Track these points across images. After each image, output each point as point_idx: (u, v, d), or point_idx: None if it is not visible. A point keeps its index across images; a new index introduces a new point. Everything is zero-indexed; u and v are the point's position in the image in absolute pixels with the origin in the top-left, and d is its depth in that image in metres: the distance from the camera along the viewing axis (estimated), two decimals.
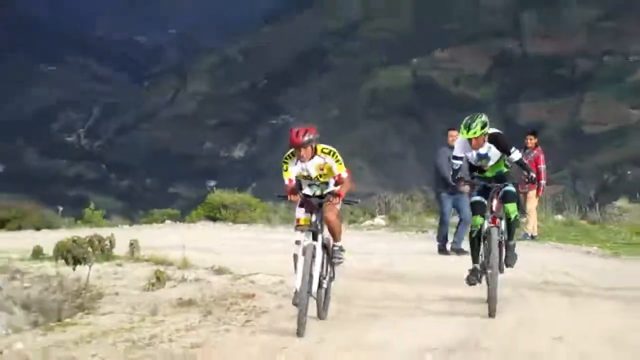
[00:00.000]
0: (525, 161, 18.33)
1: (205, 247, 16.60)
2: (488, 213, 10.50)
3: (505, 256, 10.71)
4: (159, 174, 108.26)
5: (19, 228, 26.34)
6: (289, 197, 9.77)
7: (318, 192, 9.88)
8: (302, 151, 9.60)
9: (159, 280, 12.44)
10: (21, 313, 10.30)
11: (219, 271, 13.81)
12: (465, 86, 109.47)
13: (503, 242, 10.62)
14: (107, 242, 14.52)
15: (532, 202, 18.98)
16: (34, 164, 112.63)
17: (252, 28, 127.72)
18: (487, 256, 10.34)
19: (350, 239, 19.23)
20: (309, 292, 9.38)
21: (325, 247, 9.89)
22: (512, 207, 10.65)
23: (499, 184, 10.61)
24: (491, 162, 10.69)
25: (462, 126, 10.37)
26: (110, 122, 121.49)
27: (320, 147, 9.73)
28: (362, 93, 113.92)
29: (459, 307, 10.34)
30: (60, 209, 30.66)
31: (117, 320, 9.92)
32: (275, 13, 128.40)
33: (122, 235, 16.53)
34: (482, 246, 10.58)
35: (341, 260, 10.19)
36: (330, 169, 9.76)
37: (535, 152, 19.00)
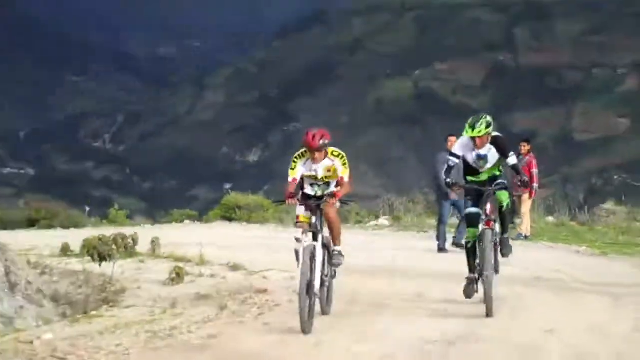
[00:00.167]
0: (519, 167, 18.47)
1: (221, 245, 16.61)
2: (483, 217, 10.10)
3: (500, 249, 10.40)
4: (179, 177, 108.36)
5: (49, 227, 26.38)
6: (287, 201, 9.53)
7: (319, 193, 9.69)
8: (317, 154, 9.42)
9: (178, 275, 12.45)
10: (50, 306, 10.30)
11: (234, 267, 13.83)
12: (462, 96, 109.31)
13: (497, 243, 10.31)
14: (130, 240, 14.55)
15: (525, 204, 18.98)
16: (62, 168, 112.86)
17: (266, 42, 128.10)
18: (482, 258, 9.96)
19: (356, 238, 19.30)
20: (311, 291, 9.11)
21: (325, 246, 9.67)
22: (504, 196, 10.27)
23: (491, 188, 10.26)
24: (488, 165, 10.29)
25: (467, 125, 10.04)
26: (133, 129, 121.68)
27: (330, 149, 9.55)
28: (368, 102, 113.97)
29: (458, 302, 10.31)
30: (87, 209, 30.72)
31: (140, 313, 9.93)
32: (287, 28, 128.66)
33: (144, 234, 16.58)
34: (477, 250, 10.24)
35: (340, 264, 9.92)
36: (335, 171, 9.58)
37: (527, 157, 19.01)
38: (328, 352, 8.13)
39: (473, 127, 9.95)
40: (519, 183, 10.48)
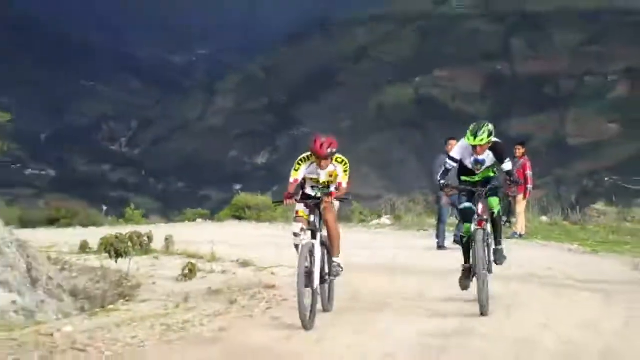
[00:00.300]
0: (514, 169, 18.46)
1: (231, 243, 16.61)
2: (475, 216, 9.88)
3: (495, 258, 10.16)
4: (191, 178, 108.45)
5: (68, 225, 26.45)
6: (285, 201, 9.43)
7: (319, 195, 9.54)
8: (323, 162, 9.34)
9: (190, 271, 12.46)
10: (70, 300, 10.31)
11: (244, 264, 13.85)
12: (461, 102, 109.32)
13: (491, 243, 10.12)
14: (145, 238, 14.60)
15: (520, 205, 18.97)
16: (81, 170, 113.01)
17: (273, 50, 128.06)
18: (474, 257, 9.72)
19: (359, 236, 19.34)
20: (310, 287, 8.97)
21: (324, 244, 9.50)
22: (494, 202, 10.03)
23: (483, 189, 10.02)
24: (484, 168, 10.09)
25: (469, 132, 9.74)
26: (147, 133, 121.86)
27: (335, 156, 9.46)
28: (370, 107, 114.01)
29: (455, 296, 10.30)
30: (105, 208, 30.77)
31: (154, 307, 9.94)
32: (293, 37, 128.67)
33: (158, 232, 16.63)
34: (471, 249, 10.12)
35: (338, 275, 9.76)
36: (336, 176, 9.48)
37: (522, 160, 19.03)
38: (329, 348, 8.12)
39: (475, 135, 9.70)
40: (509, 182, 10.32)
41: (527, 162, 19.05)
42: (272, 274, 12.66)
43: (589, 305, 10.15)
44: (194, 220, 28.15)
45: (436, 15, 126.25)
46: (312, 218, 9.36)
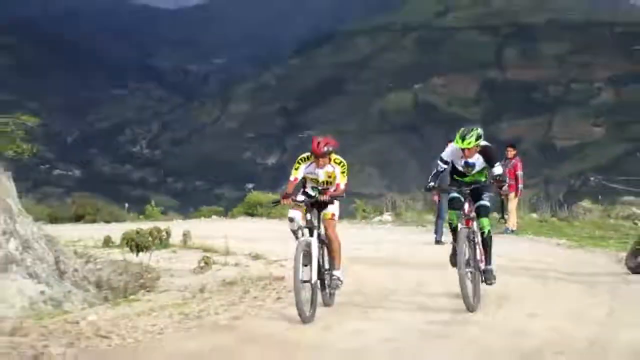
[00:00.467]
0: (505, 169, 18.46)
1: (244, 238, 16.59)
2: (461, 215, 9.50)
3: (484, 277, 9.59)
4: (207, 177, 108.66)
5: (93, 221, 26.45)
6: (281, 201, 9.20)
7: (318, 195, 9.25)
8: (321, 160, 9.11)
9: (206, 264, 12.46)
10: (94, 291, 10.32)
11: (256, 257, 13.84)
12: (457, 107, 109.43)
13: (478, 241, 9.60)
14: (164, 233, 14.61)
15: (512, 203, 18.94)
16: (105, 169, 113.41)
17: (283, 60, 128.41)
18: (456, 256, 9.24)
19: (363, 231, 19.32)
20: (309, 282, 8.65)
21: (323, 241, 9.17)
22: (485, 222, 9.59)
23: (473, 186, 9.61)
24: (474, 171, 9.74)
25: (458, 135, 9.43)
26: (166, 136, 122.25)
27: (333, 157, 9.19)
28: (373, 112, 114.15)
29: (452, 288, 10.27)
30: (127, 206, 30.65)
31: (172, 297, 9.93)
32: (302, 48, 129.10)
33: (176, 227, 16.64)
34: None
35: (337, 288, 9.39)
36: (335, 177, 9.22)
37: (513, 161, 19.01)
38: (334, 334, 8.12)
39: (463, 139, 9.37)
40: (493, 181, 9.60)
41: (518, 163, 19.02)
42: (282, 266, 12.63)
43: (576, 296, 10.13)
44: (209, 216, 28.12)
45: (434, 26, 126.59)
46: (309, 216, 9.06)
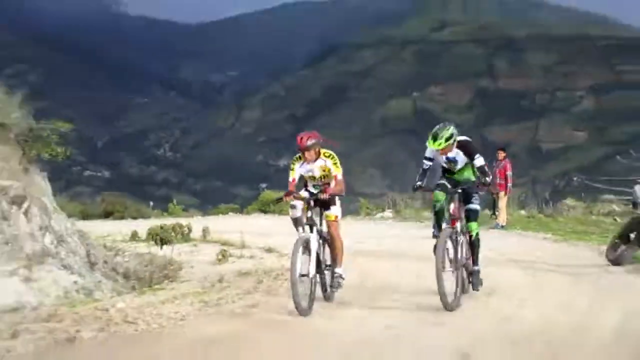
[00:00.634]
0: (496, 169, 18.46)
1: (258, 233, 16.60)
2: (447, 215, 8.90)
3: (471, 279, 9.12)
4: (224, 178, 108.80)
5: (121, 218, 26.53)
6: (284, 198, 8.73)
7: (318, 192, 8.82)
8: (307, 154, 8.59)
9: (224, 256, 12.48)
10: (122, 281, 10.34)
11: (269, 250, 13.83)
12: (452, 113, 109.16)
13: (461, 241, 8.93)
14: (185, 228, 14.64)
15: (502, 200, 18.94)
16: (132, 171, 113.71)
17: (292, 71, 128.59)
18: (436, 254, 8.49)
19: (366, 227, 19.29)
20: (307, 275, 8.26)
21: (323, 237, 8.78)
22: (474, 226, 9.01)
23: (460, 187, 8.95)
24: (458, 166, 9.07)
25: (430, 135, 8.75)
26: (187, 140, 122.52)
27: (322, 151, 8.71)
28: (375, 119, 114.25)
29: None
30: (151, 204, 30.75)
31: (193, 286, 9.94)
32: (309, 59, 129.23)
33: (196, 223, 16.65)
34: (442, 219, 9.06)
35: (340, 287, 8.97)
36: (330, 171, 8.75)
37: (503, 162, 19.03)
38: (340, 321, 8.11)
39: (434, 139, 8.70)
40: (478, 184, 8.96)
41: (507, 164, 19.02)
42: None
43: (561, 286, 10.09)
44: (226, 213, 28.15)
45: (431, 39, 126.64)
46: (309, 213, 8.61)
